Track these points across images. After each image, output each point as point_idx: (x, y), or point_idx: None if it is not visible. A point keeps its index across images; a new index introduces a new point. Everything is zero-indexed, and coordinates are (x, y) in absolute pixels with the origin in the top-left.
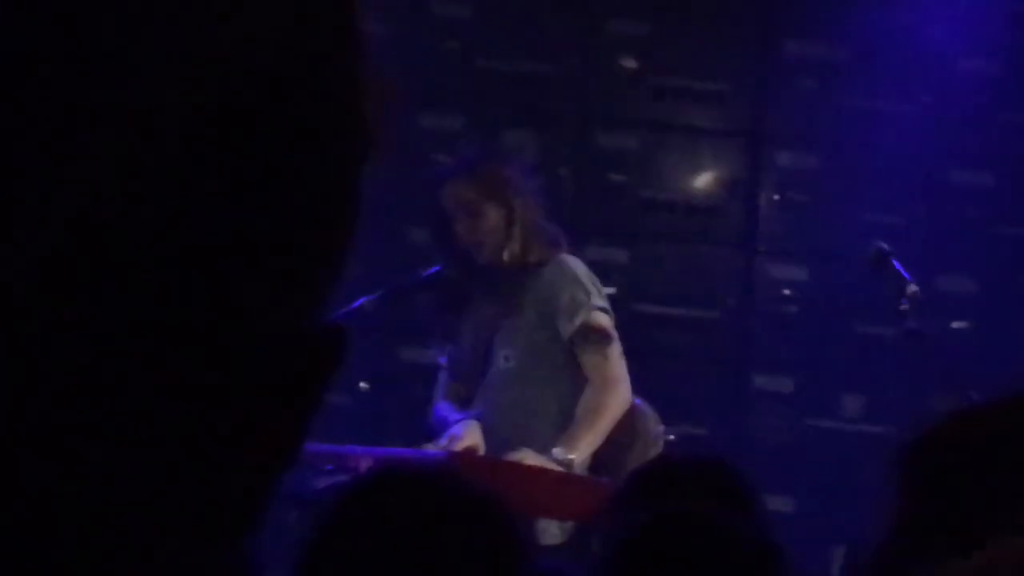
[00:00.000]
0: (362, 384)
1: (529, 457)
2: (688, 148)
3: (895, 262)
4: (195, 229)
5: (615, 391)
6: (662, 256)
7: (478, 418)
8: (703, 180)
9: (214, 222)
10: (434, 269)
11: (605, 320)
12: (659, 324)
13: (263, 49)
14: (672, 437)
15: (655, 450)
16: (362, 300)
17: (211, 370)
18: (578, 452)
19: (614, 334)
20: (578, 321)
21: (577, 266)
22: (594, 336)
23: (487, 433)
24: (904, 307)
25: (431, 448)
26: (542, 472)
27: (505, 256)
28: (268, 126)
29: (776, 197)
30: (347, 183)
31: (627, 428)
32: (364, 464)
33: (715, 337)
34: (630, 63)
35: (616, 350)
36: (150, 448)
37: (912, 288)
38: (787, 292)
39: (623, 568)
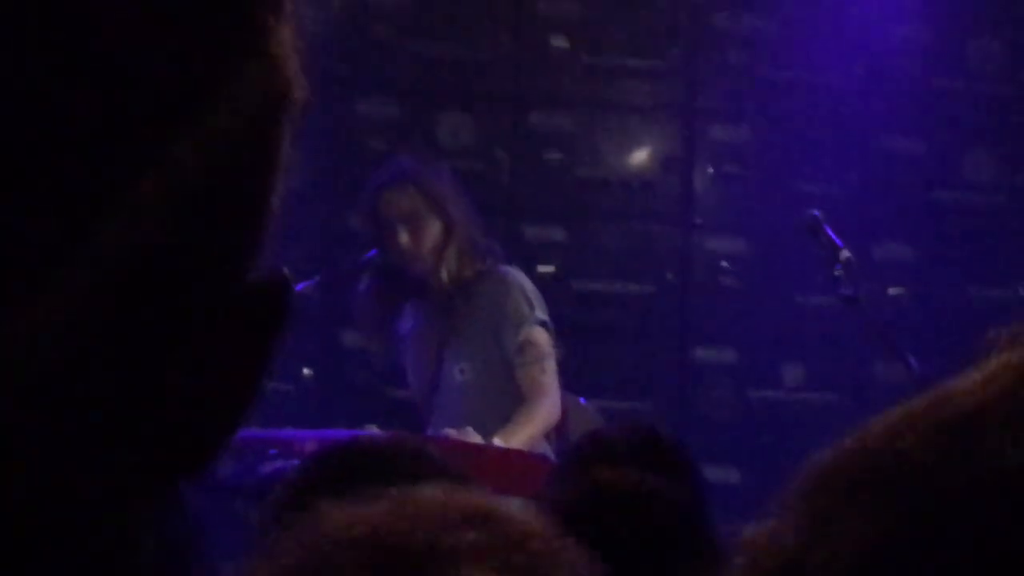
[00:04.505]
0: (305, 370)
1: (472, 436)
2: (622, 125)
3: (828, 229)
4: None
5: (550, 403)
6: (599, 233)
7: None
8: (638, 157)
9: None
10: (371, 253)
11: (544, 337)
12: (599, 301)
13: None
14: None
15: None
16: (301, 285)
17: (153, 328)
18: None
19: (551, 350)
20: (521, 336)
21: (517, 279)
22: (533, 350)
23: None
24: (838, 272)
25: (375, 430)
26: (485, 449)
27: (444, 276)
28: (170, 80)
29: (710, 171)
30: (264, 132)
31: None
32: (309, 448)
33: (655, 312)
34: (561, 42)
35: (552, 365)
36: (98, 404)
37: (845, 254)
38: (725, 264)
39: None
